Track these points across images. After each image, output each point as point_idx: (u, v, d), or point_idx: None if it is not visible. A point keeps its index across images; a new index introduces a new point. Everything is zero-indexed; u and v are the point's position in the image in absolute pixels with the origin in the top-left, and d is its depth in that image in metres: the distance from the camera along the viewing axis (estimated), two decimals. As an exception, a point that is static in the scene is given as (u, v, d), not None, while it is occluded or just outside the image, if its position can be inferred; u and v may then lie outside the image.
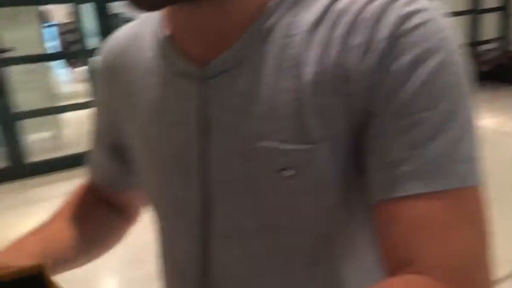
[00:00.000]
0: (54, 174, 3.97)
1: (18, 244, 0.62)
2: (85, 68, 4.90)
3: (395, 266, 0.45)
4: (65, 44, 7.79)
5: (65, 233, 0.67)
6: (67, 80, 8.15)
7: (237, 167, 0.52)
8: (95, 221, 0.72)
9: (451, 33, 0.47)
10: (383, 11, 0.46)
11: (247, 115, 0.51)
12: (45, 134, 4.99)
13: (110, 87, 0.64)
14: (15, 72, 3.95)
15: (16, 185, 3.85)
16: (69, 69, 8.49)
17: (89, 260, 0.71)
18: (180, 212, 0.58)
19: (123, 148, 0.66)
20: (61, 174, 3.97)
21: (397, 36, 0.45)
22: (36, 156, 4.13)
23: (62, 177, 3.93)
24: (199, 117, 0.54)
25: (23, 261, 0.56)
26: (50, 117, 4.67)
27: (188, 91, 0.54)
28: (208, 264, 0.57)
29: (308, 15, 0.50)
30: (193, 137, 0.54)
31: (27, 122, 4.06)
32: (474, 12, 5.84)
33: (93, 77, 4.35)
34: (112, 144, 0.68)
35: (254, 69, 0.51)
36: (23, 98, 4.00)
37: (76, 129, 5.21)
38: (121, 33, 0.65)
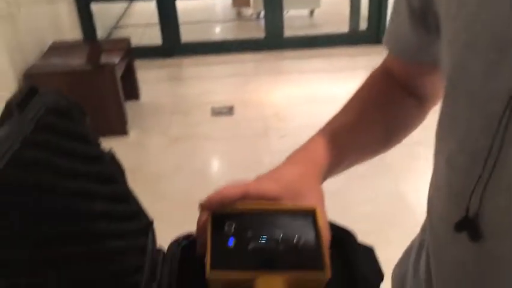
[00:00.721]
0: (307, 50, 4.21)
1: (307, 150, 0.59)
2: None
3: None
4: None
5: (359, 133, 0.62)
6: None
7: None
8: (392, 112, 0.67)
9: None
10: None
11: None
12: (302, 11, 5.22)
13: None
14: None
15: (271, 55, 4.21)
16: None
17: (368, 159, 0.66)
18: (477, 101, 0.47)
19: (429, 14, 0.57)
20: (313, 51, 4.18)
21: None
22: (292, 31, 4.40)
23: (314, 54, 4.15)
24: None
25: (311, 175, 0.55)
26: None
27: None
28: (497, 165, 0.47)
29: None
30: None
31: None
32: None
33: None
34: (415, 10, 0.59)
35: None
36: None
37: (331, 8, 5.29)
38: None
